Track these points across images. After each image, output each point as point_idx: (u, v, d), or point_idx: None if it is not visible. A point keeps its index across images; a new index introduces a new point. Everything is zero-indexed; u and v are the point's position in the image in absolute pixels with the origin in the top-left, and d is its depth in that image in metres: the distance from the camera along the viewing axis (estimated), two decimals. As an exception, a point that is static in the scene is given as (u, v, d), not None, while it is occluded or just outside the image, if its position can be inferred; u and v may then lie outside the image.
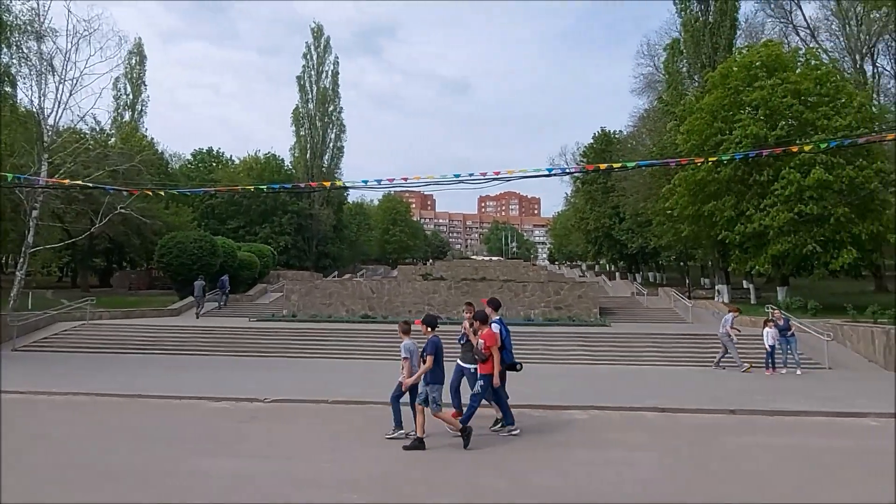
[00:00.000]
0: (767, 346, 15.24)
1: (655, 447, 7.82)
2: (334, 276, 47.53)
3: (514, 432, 8.36)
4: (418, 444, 7.41)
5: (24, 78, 23.32)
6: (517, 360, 8.83)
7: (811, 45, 33.64)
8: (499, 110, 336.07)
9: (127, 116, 45.91)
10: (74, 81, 22.53)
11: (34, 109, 23.48)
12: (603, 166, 17.89)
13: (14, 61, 23.07)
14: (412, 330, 8.21)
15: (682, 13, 34.20)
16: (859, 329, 17.12)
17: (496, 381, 8.08)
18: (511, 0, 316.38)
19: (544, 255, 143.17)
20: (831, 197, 23.35)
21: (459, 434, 7.63)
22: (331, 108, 59.01)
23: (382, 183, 12.96)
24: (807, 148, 15.31)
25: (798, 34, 38.48)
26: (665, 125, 38.93)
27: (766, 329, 15.31)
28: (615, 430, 8.87)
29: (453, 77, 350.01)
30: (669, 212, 29.87)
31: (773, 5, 38.76)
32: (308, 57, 58.64)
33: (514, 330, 22.34)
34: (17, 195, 22.45)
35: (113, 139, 37.26)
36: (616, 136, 52.03)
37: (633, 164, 17.26)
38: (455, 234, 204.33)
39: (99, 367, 15.16)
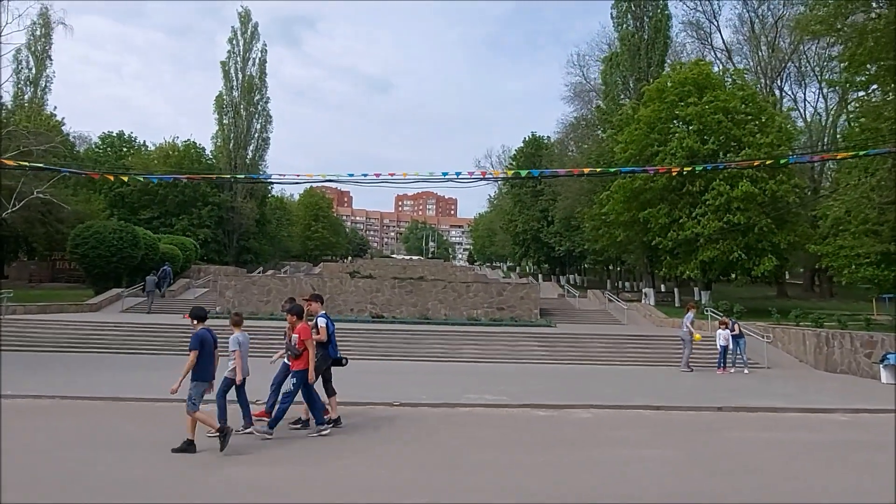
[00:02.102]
0: (719, 347, 16.28)
1: (669, 444, 8.05)
2: (259, 272, 45.56)
3: (323, 433, 7.91)
4: (186, 447, 6.83)
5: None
6: (343, 356, 8.70)
7: (727, 67, 36.34)
8: (419, 111, 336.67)
9: (29, 93, 41.41)
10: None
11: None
12: (586, 171, 18.27)
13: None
14: (243, 321, 8.19)
15: (619, 28, 35.81)
16: (790, 331, 18.64)
17: (311, 376, 7.81)
18: (436, 1, 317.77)
19: (461, 256, 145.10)
20: (755, 208, 25.30)
21: (217, 434, 6.96)
22: (257, 98, 56.31)
23: (368, 178, 12.50)
24: (768, 162, 16.51)
25: (715, 55, 41.49)
26: (597, 133, 40.68)
27: (719, 331, 16.34)
28: (623, 427, 9.06)
29: (375, 75, 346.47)
30: (604, 217, 31.18)
31: (694, 27, 41.57)
32: (234, 42, 55.69)
33: (464, 330, 22.41)
34: None
35: (14, 116, 33.52)
36: (545, 140, 53.61)
37: (613, 170, 17.84)
38: (372, 232, 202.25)
39: (45, 367, 13.58)
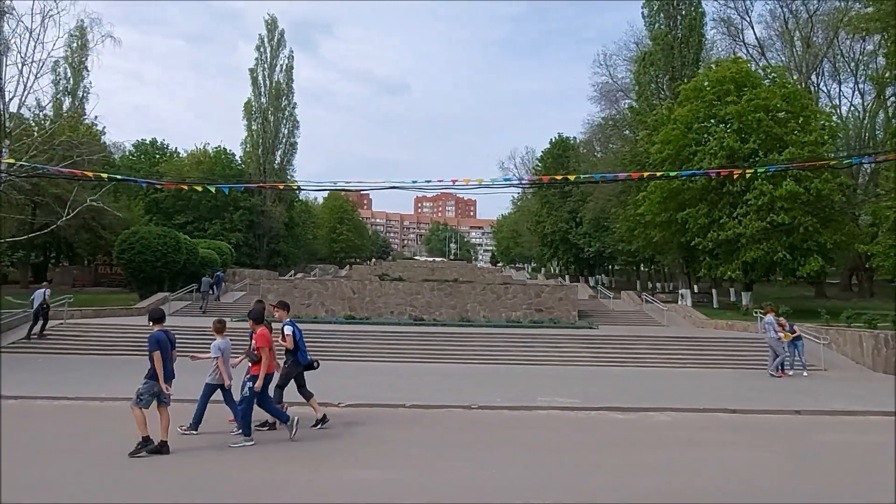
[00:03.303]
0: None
1: (766, 447, 8.06)
2: (291, 274, 46.14)
3: (247, 444, 7.68)
4: (160, 448, 7.12)
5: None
6: (314, 359, 8.92)
7: (762, 63, 35.87)
8: (435, 112, 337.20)
9: (67, 103, 42.44)
10: (41, 64, 20.61)
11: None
12: (646, 174, 18.24)
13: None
14: (225, 328, 8.52)
15: (651, 27, 35.60)
16: (846, 333, 18.38)
17: (258, 384, 7.77)
18: (449, 1, 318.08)
19: (483, 257, 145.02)
20: (799, 207, 24.93)
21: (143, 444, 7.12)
22: (284, 103, 57.14)
23: (430, 183, 12.68)
24: (843, 163, 16.32)
25: (747, 51, 40.96)
26: (626, 133, 40.48)
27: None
28: (708, 430, 9.08)
29: (390, 77, 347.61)
30: (639, 217, 30.98)
31: (725, 24, 41.13)
32: (261, 49, 56.52)
33: (507, 332, 22.44)
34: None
35: (57, 127, 34.32)
36: (573, 141, 53.44)
37: (674, 173, 17.80)
38: (392, 234, 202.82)
39: (124, 369, 14.00)
